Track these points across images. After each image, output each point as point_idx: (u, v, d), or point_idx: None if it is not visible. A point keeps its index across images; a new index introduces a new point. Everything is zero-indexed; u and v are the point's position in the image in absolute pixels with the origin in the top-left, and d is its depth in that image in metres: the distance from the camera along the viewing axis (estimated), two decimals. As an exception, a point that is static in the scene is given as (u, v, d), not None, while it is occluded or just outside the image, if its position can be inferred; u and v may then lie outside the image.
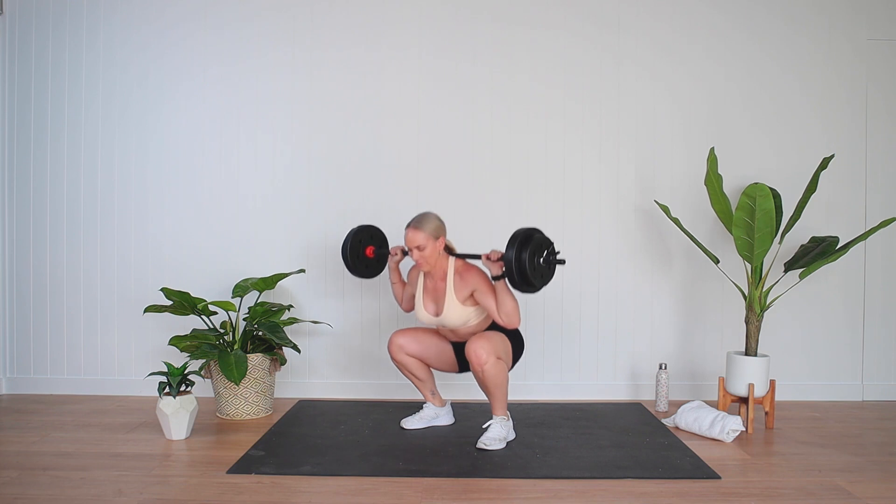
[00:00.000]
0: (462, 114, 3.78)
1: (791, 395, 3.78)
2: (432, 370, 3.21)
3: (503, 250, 2.81)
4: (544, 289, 3.78)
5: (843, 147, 3.80)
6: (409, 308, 3.26)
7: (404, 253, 3.15)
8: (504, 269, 2.78)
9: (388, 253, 3.23)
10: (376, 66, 3.77)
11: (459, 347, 3.10)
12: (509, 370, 2.98)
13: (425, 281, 3.08)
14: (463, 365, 3.12)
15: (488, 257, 2.85)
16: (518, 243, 2.74)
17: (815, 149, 3.77)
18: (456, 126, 3.77)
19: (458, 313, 2.95)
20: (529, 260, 2.73)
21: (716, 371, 3.80)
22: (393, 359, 3.13)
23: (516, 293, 2.92)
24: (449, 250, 3.04)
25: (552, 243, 2.88)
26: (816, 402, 3.79)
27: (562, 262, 2.90)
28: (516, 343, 3.02)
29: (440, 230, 2.96)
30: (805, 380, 3.83)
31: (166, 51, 3.78)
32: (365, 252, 3.27)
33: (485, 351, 2.81)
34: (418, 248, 2.92)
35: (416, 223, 2.93)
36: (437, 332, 3.16)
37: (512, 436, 2.99)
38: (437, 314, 3.00)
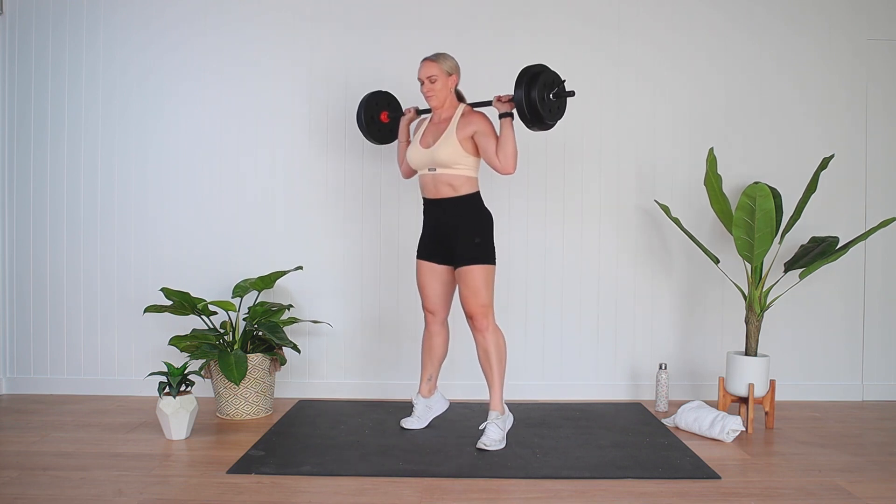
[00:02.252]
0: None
1: (791, 395, 3.78)
2: (442, 362, 3.20)
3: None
4: (544, 289, 3.80)
5: (843, 147, 3.80)
6: (408, 172, 3.22)
7: (418, 112, 3.19)
8: (514, 108, 2.81)
9: (403, 115, 3.25)
10: (375, 68, 3.76)
11: (435, 244, 3.02)
12: (495, 264, 2.95)
13: (429, 124, 3.06)
14: (448, 258, 3.01)
15: (499, 98, 2.91)
16: (526, 83, 2.75)
17: (815, 149, 3.77)
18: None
19: (451, 149, 2.89)
20: (539, 97, 2.74)
21: (716, 371, 3.80)
22: (429, 329, 3.13)
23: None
24: (459, 97, 3.06)
25: (560, 78, 2.87)
26: (816, 402, 3.79)
27: (571, 93, 2.89)
28: (489, 243, 2.95)
29: (455, 69, 2.99)
30: (805, 380, 3.83)
31: (166, 51, 3.78)
32: (379, 117, 3.28)
33: (479, 311, 2.86)
34: (430, 78, 2.94)
35: (434, 56, 2.98)
36: (421, 272, 3.08)
37: (510, 424, 3.00)
38: (430, 147, 2.95)
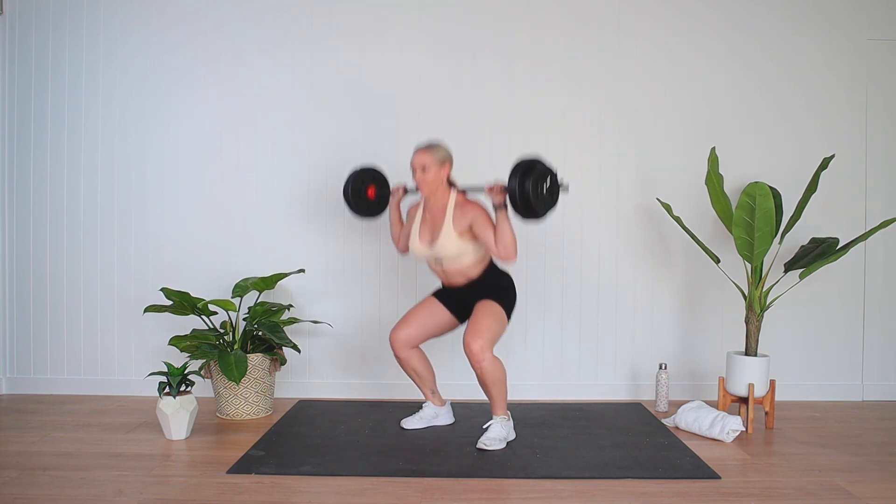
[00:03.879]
0: (462, 114, 3.78)
1: (791, 395, 3.78)
2: (433, 373, 3.20)
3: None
4: (544, 289, 3.80)
5: (843, 147, 3.80)
6: (405, 248, 3.24)
7: (405, 191, 3.19)
8: (507, 198, 2.81)
9: (390, 193, 3.24)
10: (376, 67, 3.77)
11: (452, 301, 3.07)
12: (507, 321, 2.97)
13: (424, 213, 3.07)
14: (462, 316, 3.09)
15: (490, 189, 2.89)
16: (521, 173, 2.75)
17: (815, 149, 3.77)
18: (456, 126, 3.77)
19: (453, 244, 2.92)
20: (533, 189, 2.74)
21: (716, 371, 3.80)
22: (396, 356, 3.11)
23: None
24: (451, 184, 3.06)
25: (554, 172, 2.87)
26: (816, 402, 3.78)
27: (565, 188, 2.91)
28: (508, 298, 3.00)
29: (447, 159, 2.99)
30: (805, 380, 3.83)
31: (167, 51, 3.78)
32: (366, 192, 3.27)
33: (479, 346, 2.80)
34: (422, 168, 2.93)
35: (426, 146, 2.98)
36: (425, 303, 3.13)
37: (512, 436, 2.99)
38: (432, 243, 2.98)
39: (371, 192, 3.27)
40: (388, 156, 3.76)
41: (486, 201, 3.10)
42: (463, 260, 2.97)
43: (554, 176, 2.85)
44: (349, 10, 3.76)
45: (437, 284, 3.26)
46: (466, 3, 3.77)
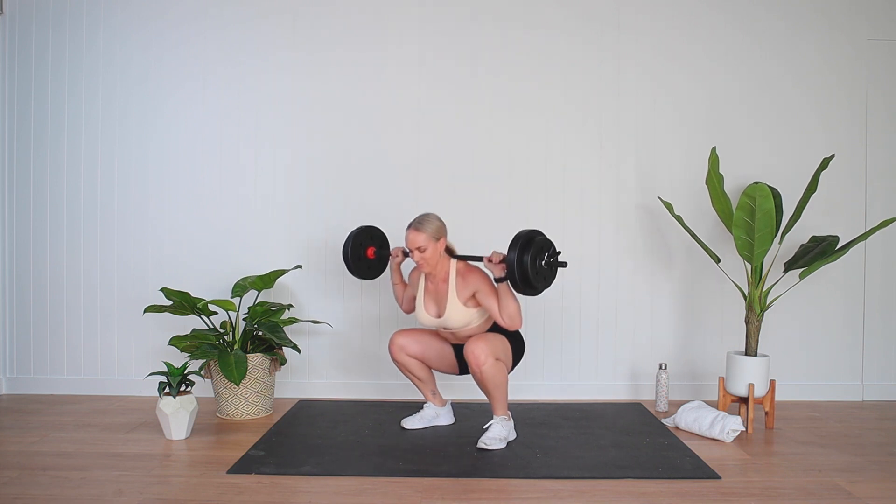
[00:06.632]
0: (462, 115, 3.78)
1: (791, 395, 3.78)
2: (433, 371, 3.21)
3: (504, 251, 2.82)
4: (545, 290, 3.80)
5: (843, 147, 3.80)
6: (410, 309, 3.25)
7: (405, 254, 3.15)
8: (506, 271, 2.79)
9: (389, 254, 3.23)
10: (376, 68, 3.77)
11: (460, 349, 3.09)
12: (509, 372, 2.98)
13: (426, 283, 3.07)
14: (463, 367, 3.11)
15: (490, 259, 2.86)
16: (520, 246, 2.74)
17: (815, 149, 3.77)
18: (456, 127, 3.77)
19: (459, 314, 2.94)
20: (531, 262, 2.74)
21: (716, 371, 3.80)
22: (394, 359, 3.13)
23: (518, 295, 2.92)
24: (450, 252, 3.04)
25: (553, 246, 2.89)
26: (816, 402, 3.79)
27: (563, 264, 2.92)
28: (517, 345, 3.01)
29: (441, 231, 2.95)
30: (805, 380, 3.83)
31: (167, 51, 3.78)
32: (366, 253, 3.27)
33: (483, 352, 2.80)
34: (419, 249, 2.91)
35: (417, 224, 2.92)
36: (437, 333, 3.15)
37: (513, 436, 2.99)
38: (439, 316, 2.99)
39: (370, 252, 3.28)
40: (388, 152, 3.76)
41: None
42: (471, 325, 2.99)
43: (553, 250, 2.87)
44: (350, 11, 3.76)
45: None
46: (466, 4, 3.77)
